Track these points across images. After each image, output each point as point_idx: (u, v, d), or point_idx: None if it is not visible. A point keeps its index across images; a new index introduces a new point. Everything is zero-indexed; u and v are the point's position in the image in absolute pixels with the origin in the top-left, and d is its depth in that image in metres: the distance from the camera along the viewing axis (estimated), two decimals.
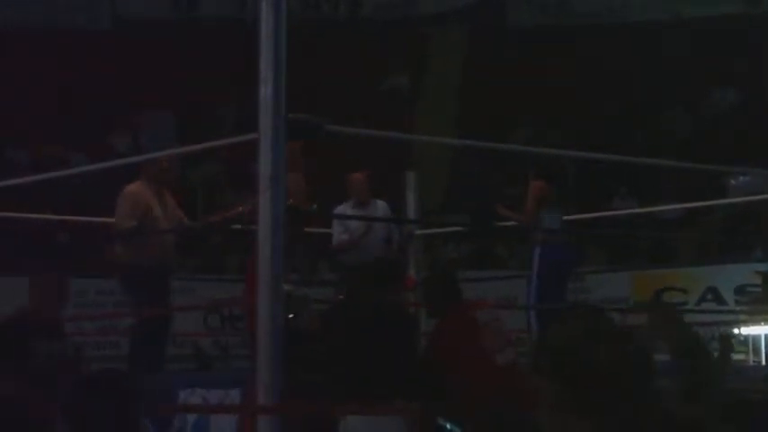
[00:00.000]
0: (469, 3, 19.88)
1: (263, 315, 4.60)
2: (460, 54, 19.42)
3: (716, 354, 10.22)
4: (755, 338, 11.14)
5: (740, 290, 12.83)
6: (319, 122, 5.04)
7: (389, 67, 19.15)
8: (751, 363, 10.93)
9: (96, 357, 11.31)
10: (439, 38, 19.58)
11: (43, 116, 16.70)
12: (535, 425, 2.46)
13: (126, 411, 2.97)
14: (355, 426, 5.27)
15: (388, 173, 10.45)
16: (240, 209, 8.39)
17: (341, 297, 7.94)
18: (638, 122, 17.61)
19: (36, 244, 13.03)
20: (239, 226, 8.77)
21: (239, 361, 11.18)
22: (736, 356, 11.16)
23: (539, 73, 17.77)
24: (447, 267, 12.38)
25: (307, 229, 8.57)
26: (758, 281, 12.31)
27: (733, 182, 15.21)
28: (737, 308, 12.43)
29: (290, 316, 5.35)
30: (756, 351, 11.06)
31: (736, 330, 11.45)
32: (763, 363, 10.81)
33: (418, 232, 9.73)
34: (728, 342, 10.88)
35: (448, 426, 5.26)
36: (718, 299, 12.96)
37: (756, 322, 11.17)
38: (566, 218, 9.35)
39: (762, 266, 12.41)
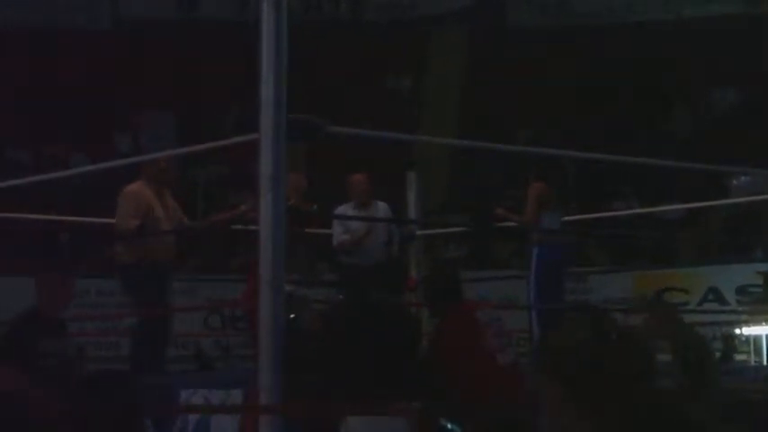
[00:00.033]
0: (470, 3, 19.86)
1: (264, 315, 4.60)
2: (461, 54, 19.40)
3: (718, 354, 10.25)
4: (757, 339, 11.14)
5: (741, 290, 12.82)
6: (320, 123, 5.04)
7: (390, 67, 19.14)
8: (752, 363, 10.93)
9: (97, 358, 11.30)
10: (439, 38, 19.56)
11: (43, 116, 16.69)
12: (536, 425, 2.46)
13: (127, 412, 2.97)
14: (356, 426, 5.26)
15: (388, 173, 10.44)
16: (241, 208, 8.41)
17: (341, 297, 7.94)
18: (638, 122, 17.60)
19: (37, 244, 13.02)
20: (240, 226, 8.78)
21: (241, 361, 11.18)
22: (737, 357, 11.18)
23: (539, 73, 17.76)
24: (448, 267, 12.38)
25: (307, 230, 8.58)
26: (759, 281, 12.33)
27: (735, 182, 15.20)
28: (739, 308, 12.42)
29: (291, 316, 5.35)
30: (758, 351, 11.06)
31: (737, 331, 11.46)
32: (765, 363, 10.80)
33: (419, 232, 9.73)
34: (732, 343, 10.91)
35: (448, 426, 5.25)
36: (720, 299, 12.95)
37: (758, 322, 11.17)
38: (566, 218, 9.37)
39: (763, 267, 12.42)
